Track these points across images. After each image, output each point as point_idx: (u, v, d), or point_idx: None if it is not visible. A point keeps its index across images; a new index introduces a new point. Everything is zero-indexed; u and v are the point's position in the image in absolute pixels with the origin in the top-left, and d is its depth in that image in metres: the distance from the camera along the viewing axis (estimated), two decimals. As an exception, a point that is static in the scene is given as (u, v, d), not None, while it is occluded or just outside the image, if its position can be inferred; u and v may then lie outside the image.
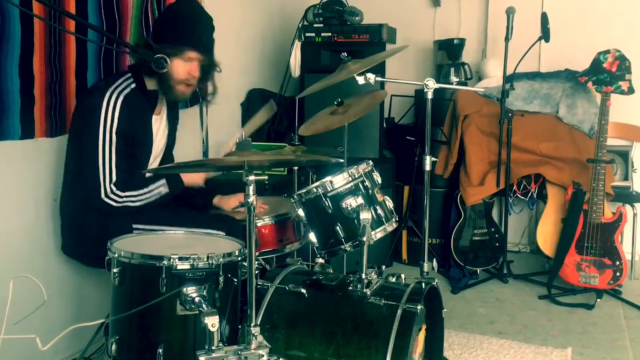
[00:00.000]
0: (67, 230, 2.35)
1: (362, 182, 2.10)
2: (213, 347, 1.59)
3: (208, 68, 2.36)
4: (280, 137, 4.07)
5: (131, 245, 1.91)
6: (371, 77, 2.45)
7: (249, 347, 1.64)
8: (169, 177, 2.29)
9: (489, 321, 3.09)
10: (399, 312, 1.88)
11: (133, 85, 2.26)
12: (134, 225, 2.29)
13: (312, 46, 3.82)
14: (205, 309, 1.67)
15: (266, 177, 1.79)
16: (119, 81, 2.25)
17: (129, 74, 2.29)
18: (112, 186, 2.16)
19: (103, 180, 2.16)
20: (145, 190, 2.24)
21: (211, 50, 2.38)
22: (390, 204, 2.20)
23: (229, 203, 2.52)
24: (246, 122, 2.67)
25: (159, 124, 2.45)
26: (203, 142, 3.55)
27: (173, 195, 2.31)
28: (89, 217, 2.26)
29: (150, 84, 2.32)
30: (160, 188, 2.27)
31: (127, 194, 2.19)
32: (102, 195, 2.16)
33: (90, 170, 2.17)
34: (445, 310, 2.22)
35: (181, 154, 3.12)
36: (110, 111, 2.17)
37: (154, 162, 2.46)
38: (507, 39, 3.48)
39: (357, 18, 3.80)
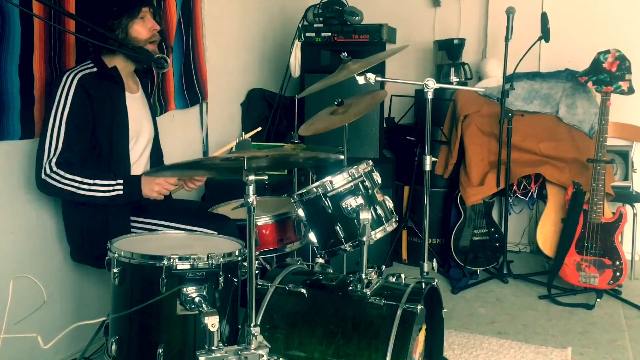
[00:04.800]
0: (72, 235, 2.36)
1: (362, 182, 2.10)
2: (213, 347, 1.59)
3: (160, 16, 2.42)
4: (280, 137, 4.08)
5: (131, 245, 1.91)
6: (371, 77, 2.45)
7: (249, 347, 1.64)
8: (128, 182, 2.20)
9: (489, 321, 3.09)
10: (399, 312, 1.88)
11: (95, 69, 2.25)
12: (132, 218, 2.30)
13: (312, 46, 3.82)
14: (205, 309, 1.67)
15: (266, 177, 1.79)
16: (78, 66, 2.25)
17: (88, 61, 2.29)
18: (54, 165, 2.11)
19: (47, 158, 2.12)
20: (96, 182, 2.16)
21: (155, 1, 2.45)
22: (390, 204, 2.20)
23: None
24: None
25: (138, 103, 2.45)
26: (203, 142, 3.55)
27: (128, 201, 2.23)
28: (89, 217, 2.26)
29: (111, 62, 2.32)
30: (115, 188, 2.18)
31: (73, 177, 2.13)
32: (42, 175, 2.12)
33: (38, 150, 2.16)
34: (445, 310, 2.22)
35: (181, 154, 3.13)
36: (65, 93, 2.16)
37: (136, 144, 2.42)
38: (507, 39, 3.48)
39: (357, 18, 3.80)
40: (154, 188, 2.21)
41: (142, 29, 2.31)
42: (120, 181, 2.19)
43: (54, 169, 2.12)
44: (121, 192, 2.18)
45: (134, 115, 2.39)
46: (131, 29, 2.29)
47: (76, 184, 2.13)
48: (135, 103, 2.43)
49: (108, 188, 2.17)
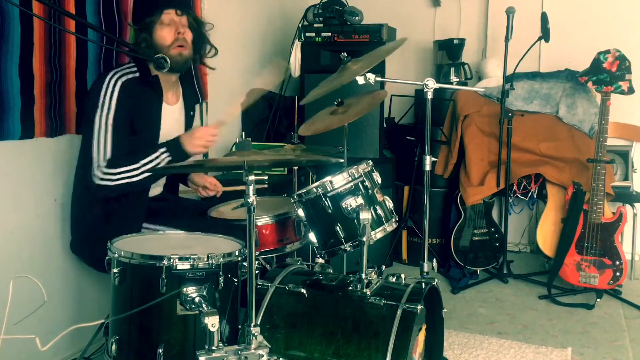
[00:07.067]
0: (75, 228, 2.35)
1: (362, 182, 2.10)
2: (213, 347, 1.59)
3: (196, 25, 2.33)
4: (280, 137, 4.08)
5: (131, 245, 1.90)
6: (371, 77, 2.45)
7: (249, 347, 1.65)
8: (170, 146, 2.21)
9: (489, 321, 3.09)
10: (399, 312, 1.87)
11: (137, 74, 2.23)
12: (144, 225, 2.28)
13: (312, 46, 3.82)
14: (205, 309, 1.67)
15: (266, 177, 1.79)
16: (121, 67, 2.23)
17: (132, 63, 2.27)
18: (104, 168, 2.12)
19: (98, 164, 2.12)
20: (141, 162, 2.16)
21: (186, 3, 2.36)
22: (390, 204, 2.20)
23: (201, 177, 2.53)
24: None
25: (173, 115, 2.42)
26: (203, 142, 3.55)
27: (177, 162, 2.23)
28: (97, 218, 2.25)
29: (154, 70, 2.26)
30: (161, 158, 2.19)
31: (121, 169, 2.14)
32: (97, 181, 2.12)
33: (86, 154, 2.16)
34: (445, 310, 2.22)
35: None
36: (108, 96, 2.15)
37: None
38: (507, 39, 3.48)
39: (357, 18, 3.80)
40: (196, 142, 2.22)
41: (164, 33, 2.25)
42: (163, 149, 2.19)
43: (105, 171, 2.12)
44: (169, 157, 2.19)
45: (167, 127, 2.36)
46: (155, 34, 2.24)
47: (127, 174, 2.14)
48: (171, 115, 2.40)
49: (155, 162, 2.17)
